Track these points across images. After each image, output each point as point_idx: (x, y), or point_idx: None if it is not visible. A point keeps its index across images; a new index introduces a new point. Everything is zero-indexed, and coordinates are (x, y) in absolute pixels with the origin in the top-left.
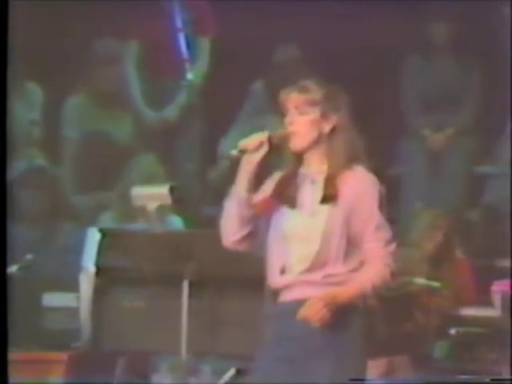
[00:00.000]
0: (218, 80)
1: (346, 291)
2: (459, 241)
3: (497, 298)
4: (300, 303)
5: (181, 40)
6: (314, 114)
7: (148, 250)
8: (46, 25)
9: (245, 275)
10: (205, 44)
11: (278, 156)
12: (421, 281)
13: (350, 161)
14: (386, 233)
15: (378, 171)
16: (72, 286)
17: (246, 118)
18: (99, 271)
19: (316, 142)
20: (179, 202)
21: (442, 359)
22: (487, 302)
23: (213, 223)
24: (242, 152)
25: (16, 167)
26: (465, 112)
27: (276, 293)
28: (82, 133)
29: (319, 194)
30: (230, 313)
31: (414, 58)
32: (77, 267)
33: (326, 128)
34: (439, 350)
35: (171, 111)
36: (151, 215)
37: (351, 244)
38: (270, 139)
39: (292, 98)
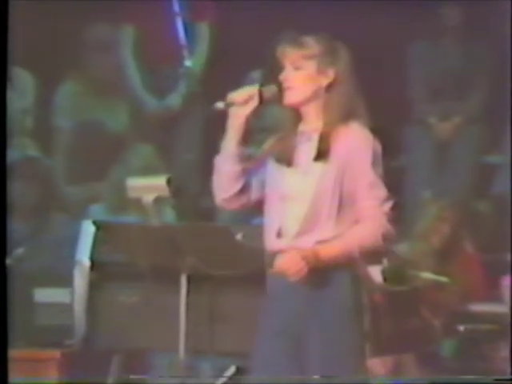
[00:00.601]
0: (217, 68)
1: (330, 249)
2: (467, 233)
3: (506, 293)
4: None
5: (178, 25)
6: (310, 68)
7: (144, 243)
8: (36, 9)
9: (245, 270)
10: (204, 30)
11: (277, 115)
12: (428, 275)
13: (347, 117)
14: (381, 191)
15: (377, 129)
16: (65, 280)
17: None
18: (94, 265)
19: (313, 97)
20: (177, 194)
21: (449, 357)
22: (496, 298)
23: (212, 216)
24: (230, 105)
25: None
26: (473, 99)
27: (273, 258)
28: (75, 122)
29: (313, 151)
30: (230, 309)
31: (422, 43)
32: (70, 261)
33: (324, 82)
34: (447, 347)
35: (174, 99)
36: (147, 208)
37: (344, 204)
38: (260, 93)
39: (288, 54)
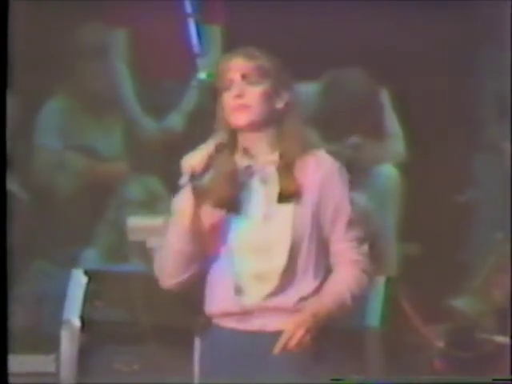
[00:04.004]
0: None
1: (325, 305)
2: None
3: None
4: (268, 334)
5: (189, 28)
6: (265, 85)
7: (148, 297)
8: (19, 14)
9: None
10: (215, 33)
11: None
12: (502, 339)
13: (307, 146)
14: (359, 230)
15: (341, 156)
16: (49, 344)
17: None
18: (85, 325)
19: (267, 121)
20: None
21: None
22: None
23: None
24: (192, 178)
25: None
26: None
27: (217, 316)
28: (61, 147)
29: (273, 190)
30: None
31: (489, 50)
32: (55, 320)
33: (279, 104)
34: None
35: (175, 120)
36: (152, 253)
37: (321, 248)
38: (217, 148)
39: (238, 65)
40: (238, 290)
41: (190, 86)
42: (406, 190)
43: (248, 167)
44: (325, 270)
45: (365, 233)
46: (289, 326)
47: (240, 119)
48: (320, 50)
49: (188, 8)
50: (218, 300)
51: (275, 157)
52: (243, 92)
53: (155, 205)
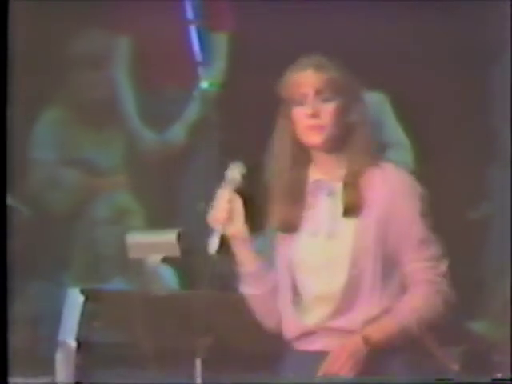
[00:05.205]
0: (239, 90)
1: (382, 329)
2: None
3: None
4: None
5: (192, 36)
6: (339, 101)
7: (148, 318)
8: (17, 20)
9: (272, 351)
10: (221, 41)
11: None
12: None
13: (374, 158)
14: (434, 248)
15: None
16: (44, 367)
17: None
18: (81, 347)
19: (339, 138)
20: (189, 253)
21: None
22: None
23: (234, 282)
24: (222, 244)
25: None
26: None
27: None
28: (56, 160)
29: (338, 205)
30: None
31: (505, 58)
32: (50, 342)
33: (351, 118)
34: None
35: (176, 132)
36: (152, 271)
37: (388, 267)
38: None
39: (310, 79)
40: (300, 311)
41: (192, 96)
42: None
43: (316, 181)
44: (396, 292)
45: (441, 250)
46: (335, 348)
47: (315, 139)
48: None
49: (190, 14)
50: (284, 323)
51: (342, 170)
52: (318, 111)
53: (124, 221)
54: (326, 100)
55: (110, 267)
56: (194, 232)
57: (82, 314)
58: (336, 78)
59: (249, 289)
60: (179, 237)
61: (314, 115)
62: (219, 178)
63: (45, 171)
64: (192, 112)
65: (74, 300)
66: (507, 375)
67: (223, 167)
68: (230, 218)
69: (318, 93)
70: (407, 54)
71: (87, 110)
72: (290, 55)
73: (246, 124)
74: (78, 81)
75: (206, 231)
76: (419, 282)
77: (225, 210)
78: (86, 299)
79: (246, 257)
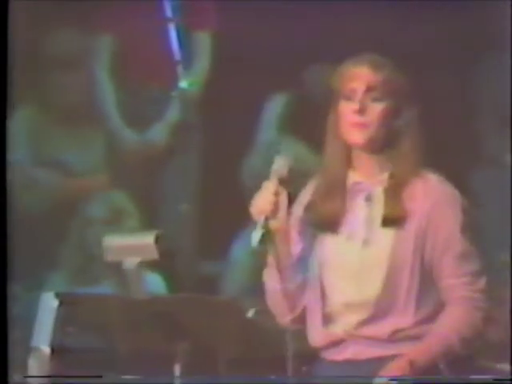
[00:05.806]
0: (221, 90)
1: (426, 350)
2: None
3: None
4: (355, 364)
5: (171, 34)
6: (389, 103)
7: (125, 322)
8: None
9: (256, 355)
10: (204, 41)
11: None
12: (503, 366)
13: (419, 168)
14: (473, 264)
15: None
16: (16, 373)
17: (260, 145)
18: (55, 353)
19: (383, 141)
20: (168, 256)
21: None
22: None
23: (214, 285)
24: (265, 233)
25: None
26: None
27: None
28: (31, 161)
29: (377, 213)
30: None
31: (490, 59)
32: (23, 348)
33: (399, 123)
34: None
35: (157, 132)
36: (130, 274)
37: (425, 280)
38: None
39: (364, 75)
40: (328, 318)
41: (170, 96)
42: None
43: (356, 184)
44: (432, 307)
45: (480, 266)
46: (379, 373)
47: (357, 138)
48: (318, 56)
49: (169, 13)
50: (310, 330)
51: (384, 176)
52: (365, 108)
53: (121, 222)
54: (375, 99)
55: (97, 270)
56: (175, 233)
57: (56, 319)
58: (391, 80)
59: (276, 282)
60: (157, 239)
61: (361, 112)
62: (200, 178)
63: (18, 173)
64: (173, 112)
65: (48, 304)
66: (507, 375)
67: (204, 168)
68: (274, 210)
69: (369, 90)
70: (407, 54)
71: (66, 110)
72: (273, 55)
73: (228, 124)
74: (57, 81)
75: (188, 232)
76: (457, 299)
77: (270, 202)
78: (61, 304)
79: (285, 251)
